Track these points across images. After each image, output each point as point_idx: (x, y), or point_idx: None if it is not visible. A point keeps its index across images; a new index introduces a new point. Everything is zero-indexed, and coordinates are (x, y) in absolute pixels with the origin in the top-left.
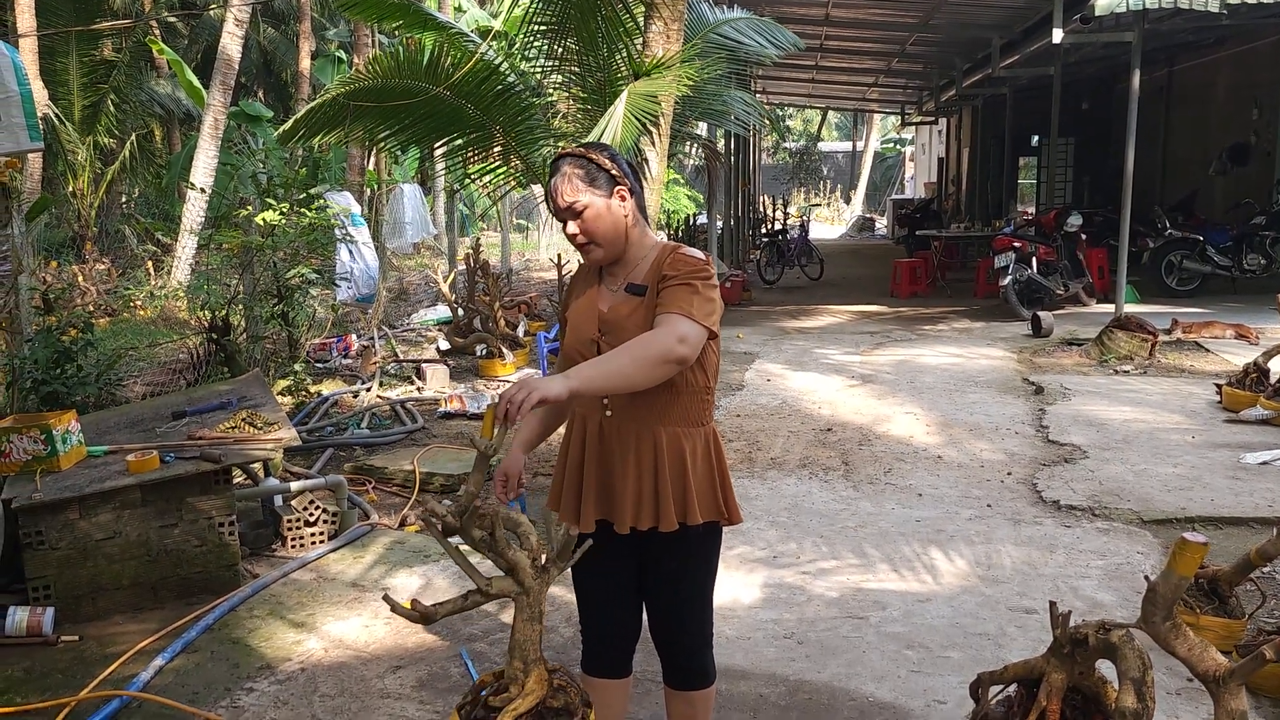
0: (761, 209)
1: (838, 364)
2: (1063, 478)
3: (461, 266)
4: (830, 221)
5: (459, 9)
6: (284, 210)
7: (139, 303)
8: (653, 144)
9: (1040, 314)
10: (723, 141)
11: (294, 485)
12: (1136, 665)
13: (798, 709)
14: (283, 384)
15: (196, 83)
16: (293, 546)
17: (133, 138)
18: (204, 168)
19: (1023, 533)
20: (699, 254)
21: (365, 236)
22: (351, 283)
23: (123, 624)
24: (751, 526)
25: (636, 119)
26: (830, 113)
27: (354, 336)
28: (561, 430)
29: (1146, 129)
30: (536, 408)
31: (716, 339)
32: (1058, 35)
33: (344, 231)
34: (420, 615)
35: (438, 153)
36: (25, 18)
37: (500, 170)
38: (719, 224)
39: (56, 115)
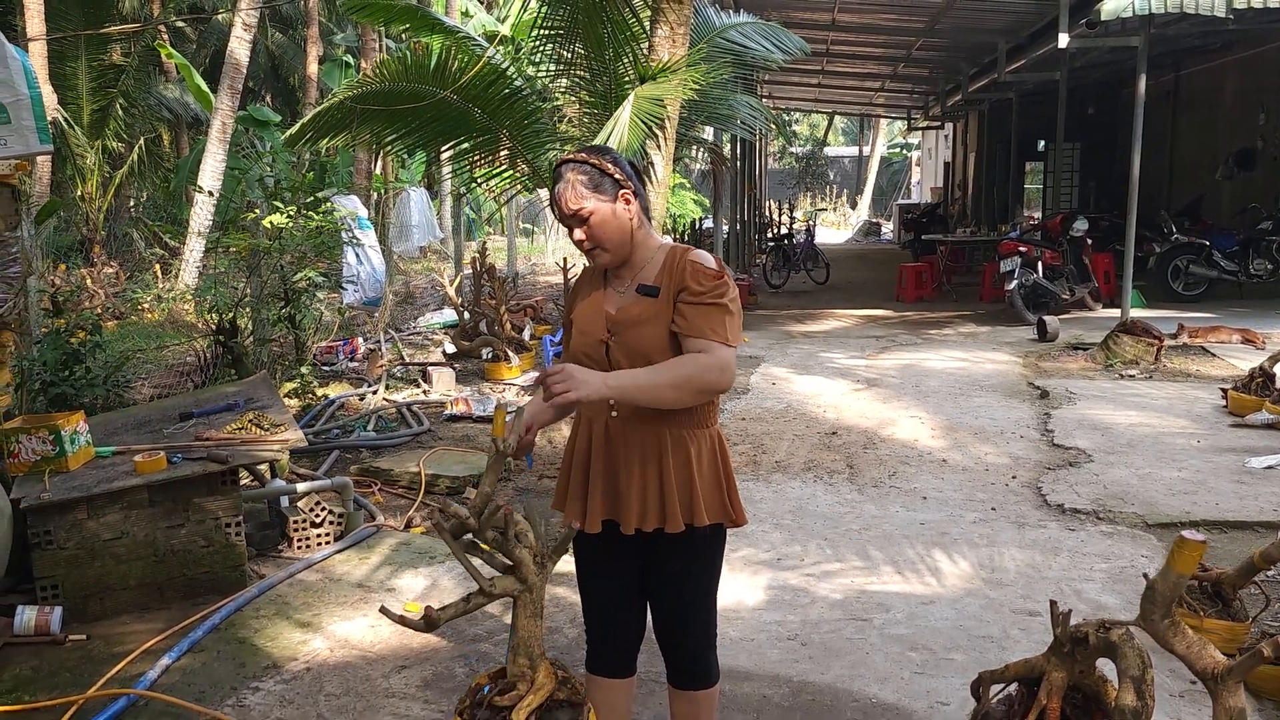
0: (767, 213)
1: (843, 368)
2: (1067, 481)
3: (467, 270)
4: (836, 226)
5: (466, 14)
6: (291, 213)
7: (146, 306)
8: (658, 148)
9: (1046, 318)
10: (729, 146)
11: (300, 486)
12: (1136, 664)
13: (801, 710)
14: (289, 386)
15: (205, 87)
16: (299, 547)
17: (141, 142)
18: (212, 171)
19: (1027, 536)
20: (713, 261)
21: (372, 240)
22: (358, 286)
23: (130, 623)
24: (756, 529)
25: (642, 122)
26: (836, 117)
27: (360, 340)
28: (566, 431)
29: (1153, 134)
30: (572, 404)
31: None
32: (1063, 40)
33: (351, 235)
34: (424, 623)
35: (444, 156)
36: (35, 22)
37: (506, 174)
38: (725, 228)
39: (65, 119)
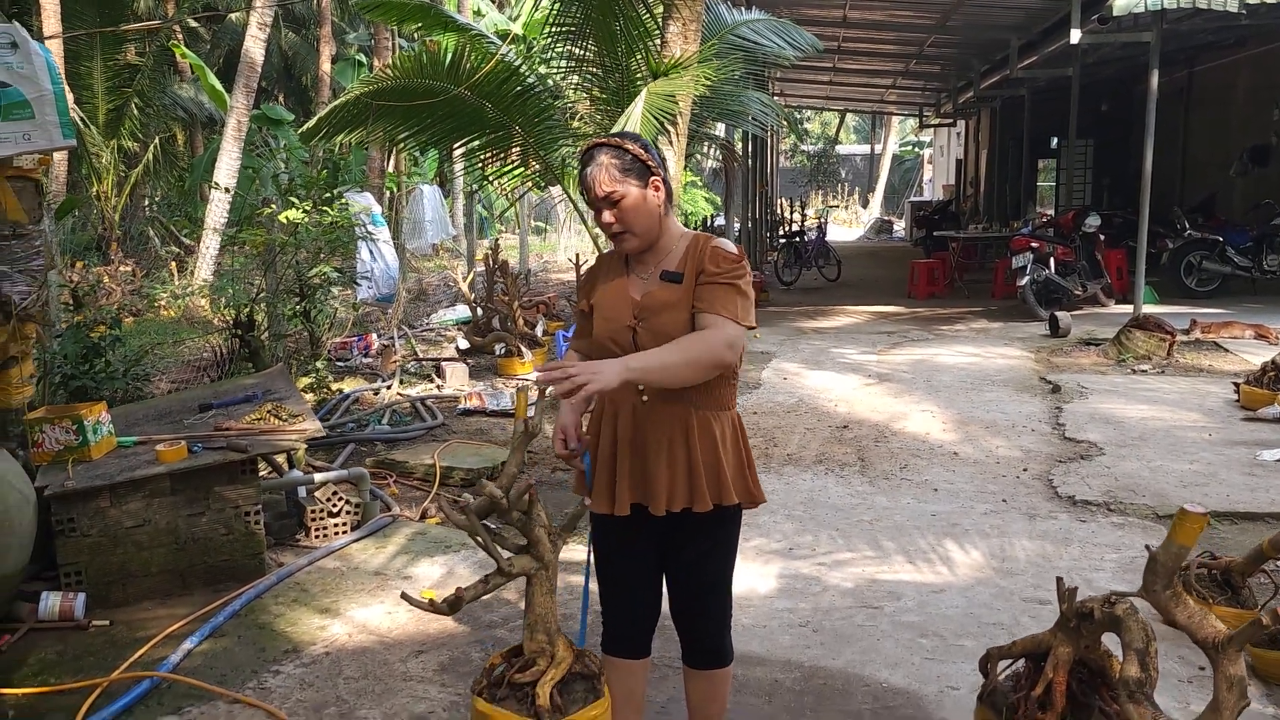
0: (779, 211)
1: (854, 363)
2: (1078, 474)
3: (480, 267)
4: (848, 224)
5: (478, 13)
6: (307, 209)
7: (163, 303)
8: (670, 144)
9: (1058, 314)
10: (740, 143)
11: (318, 477)
12: (1140, 637)
13: (812, 693)
14: (305, 381)
15: (219, 86)
16: (316, 537)
17: (156, 141)
18: (227, 169)
19: (1037, 527)
20: (733, 247)
21: (386, 236)
22: (372, 282)
23: (152, 609)
24: (768, 519)
25: (654, 118)
26: (848, 115)
27: (374, 335)
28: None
29: (1166, 130)
30: (590, 395)
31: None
32: (1075, 36)
33: (365, 230)
34: (446, 606)
35: (457, 153)
36: (51, 22)
37: (519, 172)
38: (736, 226)
39: (81, 119)
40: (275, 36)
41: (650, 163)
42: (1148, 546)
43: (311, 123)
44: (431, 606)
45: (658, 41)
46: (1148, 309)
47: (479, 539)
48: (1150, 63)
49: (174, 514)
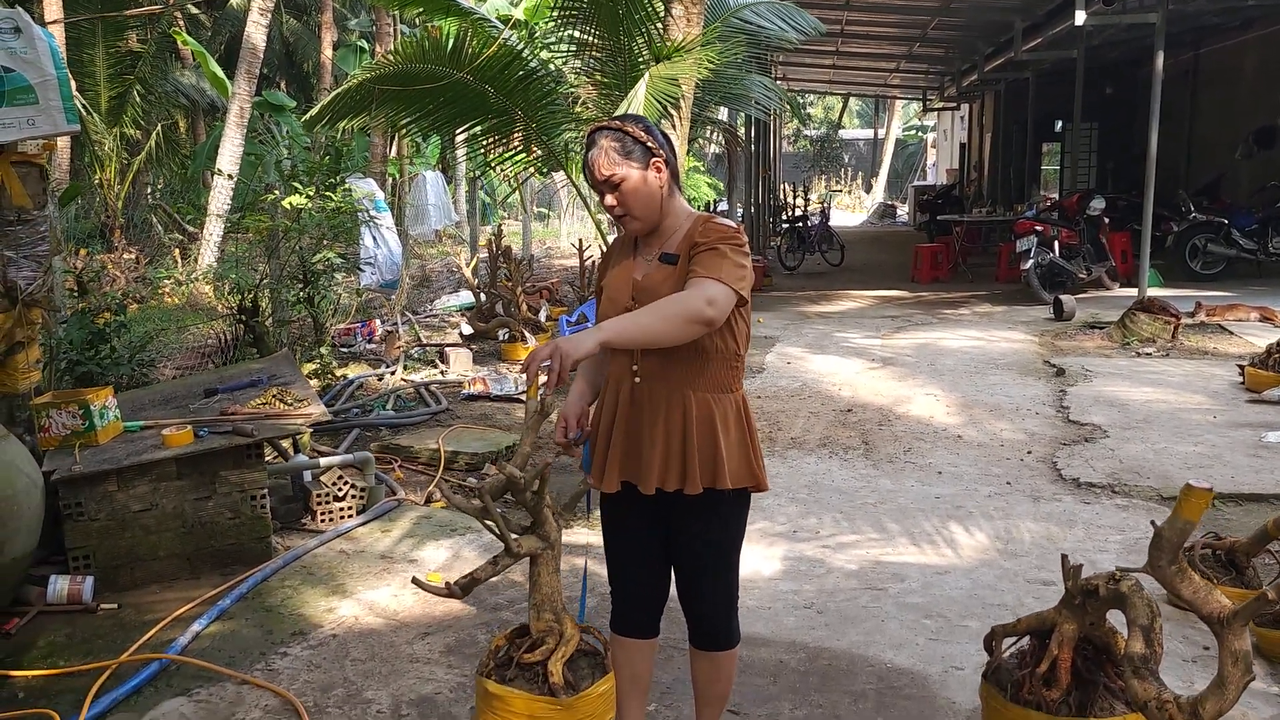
0: (782, 196)
1: (858, 347)
2: (1083, 456)
3: (483, 253)
4: (851, 209)
5: None
6: (310, 194)
7: (167, 290)
8: (673, 128)
9: (1062, 297)
10: (743, 128)
11: (323, 461)
12: (1145, 613)
13: (817, 674)
14: (309, 367)
15: (220, 73)
16: (322, 521)
17: (158, 128)
18: (230, 155)
19: (1042, 509)
20: (730, 222)
21: (389, 222)
22: (375, 268)
23: (159, 593)
24: (772, 502)
25: (657, 102)
26: (851, 100)
27: (378, 321)
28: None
29: (1171, 113)
30: (574, 368)
31: (747, 306)
32: (1080, 17)
33: (368, 216)
34: (459, 589)
35: (459, 139)
36: (53, 7)
37: (521, 157)
38: (739, 211)
39: (84, 106)
40: (277, 23)
41: (652, 144)
42: (1153, 522)
43: (315, 109)
44: (446, 590)
45: (660, 25)
46: (1152, 292)
47: (490, 522)
48: (1155, 44)
49: (181, 498)
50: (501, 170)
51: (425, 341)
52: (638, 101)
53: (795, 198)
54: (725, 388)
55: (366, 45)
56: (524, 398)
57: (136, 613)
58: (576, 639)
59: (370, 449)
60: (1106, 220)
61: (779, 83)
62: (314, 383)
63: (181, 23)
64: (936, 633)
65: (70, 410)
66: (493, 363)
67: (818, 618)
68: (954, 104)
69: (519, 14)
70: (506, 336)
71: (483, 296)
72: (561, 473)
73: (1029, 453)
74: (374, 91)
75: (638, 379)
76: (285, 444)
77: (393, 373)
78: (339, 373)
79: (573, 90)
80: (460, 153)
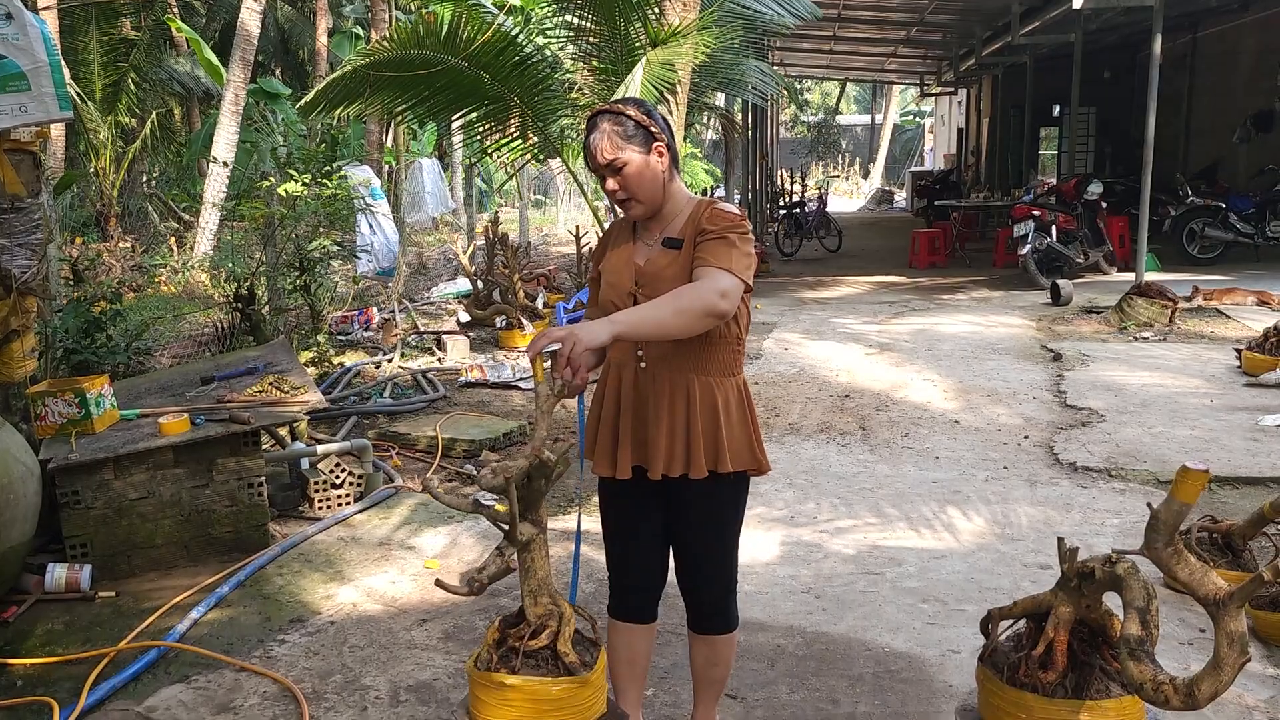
0: (780, 182)
1: (855, 333)
2: (1080, 440)
3: (480, 240)
4: (849, 195)
5: None
6: (305, 182)
7: (163, 278)
8: (670, 113)
9: (1059, 282)
10: (740, 114)
11: (320, 448)
12: (1142, 595)
13: (815, 658)
14: (306, 355)
15: (215, 60)
16: (320, 508)
17: (153, 116)
18: (225, 143)
19: (1039, 493)
20: (734, 209)
21: (385, 209)
22: (372, 256)
23: (157, 580)
24: (770, 488)
25: (654, 87)
26: (849, 85)
27: (375, 309)
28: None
29: (1169, 96)
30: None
31: (749, 292)
32: (1078, 1)
33: (364, 203)
34: (478, 587)
35: (455, 126)
36: None
37: (518, 144)
38: (737, 197)
39: (78, 94)
40: (271, 9)
41: (653, 128)
42: (1149, 505)
43: (310, 96)
44: (467, 590)
45: (656, 9)
46: (1150, 276)
47: (496, 518)
48: (1153, 28)
49: (178, 486)
50: (498, 157)
51: (422, 329)
52: (634, 87)
53: (793, 184)
54: (728, 371)
55: (361, 32)
56: (521, 385)
57: (134, 600)
58: (573, 618)
59: (368, 436)
60: (1104, 205)
61: (776, 68)
62: (311, 371)
63: (175, 9)
64: (933, 616)
65: (66, 398)
66: (490, 350)
67: (815, 602)
68: (951, 89)
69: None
70: (504, 324)
71: (480, 284)
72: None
73: (1026, 437)
74: (369, 78)
75: (643, 364)
76: (283, 432)
77: (390, 360)
78: (336, 360)
79: (569, 76)
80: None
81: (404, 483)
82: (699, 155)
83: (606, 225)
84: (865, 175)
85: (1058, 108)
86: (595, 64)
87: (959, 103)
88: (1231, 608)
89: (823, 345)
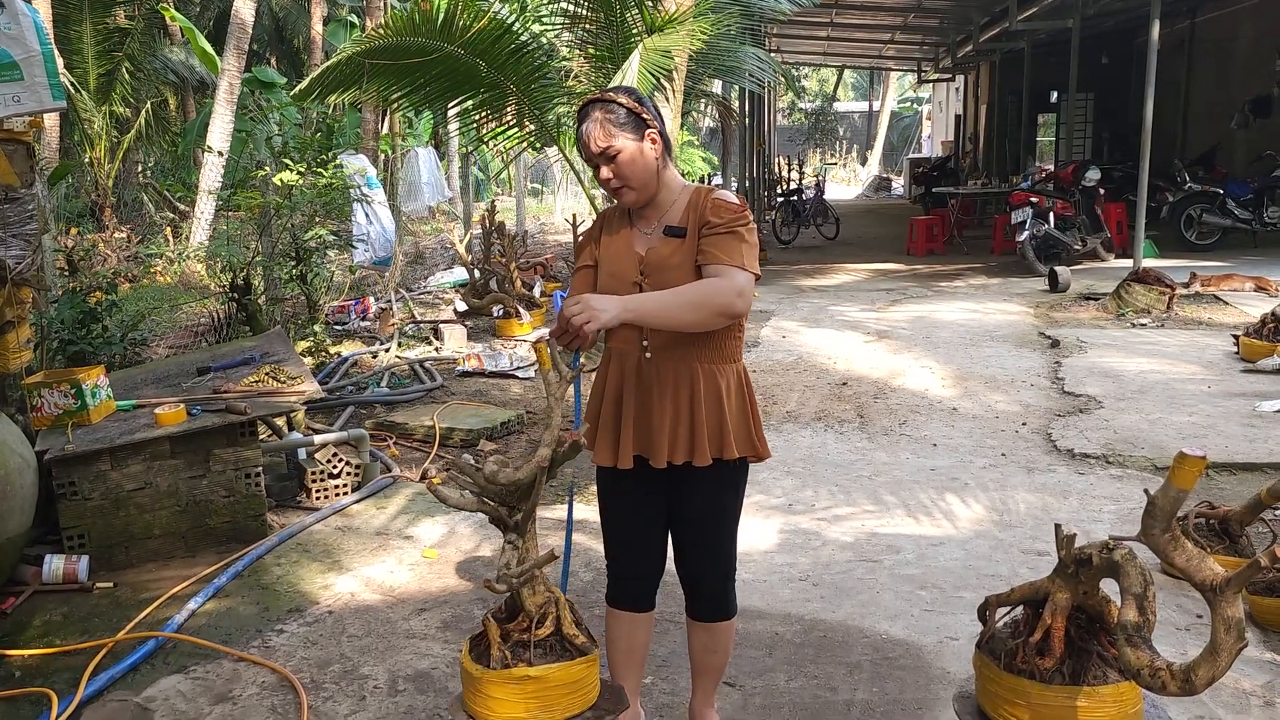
0: (777, 170)
1: (853, 320)
2: (1077, 427)
3: (477, 229)
4: (846, 182)
5: None
6: (301, 171)
7: (159, 269)
8: (666, 100)
9: (1057, 269)
10: (737, 102)
11: (318, 438)
12: (1139, 581)
13: (813, 645)
14: (303, 345)
15: (210, 49)
16: (317, 498)
17: (148, 106)
18: (220, 132)
19: (1036, 480)
20: (734, 197)
21: (381, 198)
22: (368, 245)
23: (155, 571)
24: (768, 476)
25: (651, 75)
26: (846, 73)
27: (372, 299)
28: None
29: (1167, 82)
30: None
31: (757, 279)
32: None
33: (360, 192)
34: (507, 584)
35: (451, 114)
36: None
37: (514, 132)
38: (734, 185)
39: (72, 84)
40: None
41: (645, 115)
42: (1146, 491)
43: (305, 83)
44: (507, 589)
45: None
46: (1147, 262)
47: (499, 519)
48: (1151, 13)
49: (175, 476)
50: (494, 145)
51: (419, 318)
52: (631, 74)
53: (790, 171)
54: (730, 357)
55: (357, 20)
56: (518, 374)
57: (132, 591)
58: (564, 601)
59: (365, 426)
60: (1102, 191)
61: (773, 55)
62: (308, 360)
63: None
64: (931, 604)
65: (62, 389)
66: (487, 339)
67: (813, 590)
68: (949, 75)
69: None
70: (501, 313)
71: (477, 273)
72: None
73: (1024, 424)
74: (364, 65)
75: (648, 354)
76: (280, 422)
77: (387, 350)
78: (333, 350)
79: (565, 63)
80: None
81: (401, 472)
82: (696, 143)
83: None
84: (863, 162)
85: (1055, 94)
86: (591, 51)
87: (956, 89)
88: (1229, 593)
89: (820, 333)
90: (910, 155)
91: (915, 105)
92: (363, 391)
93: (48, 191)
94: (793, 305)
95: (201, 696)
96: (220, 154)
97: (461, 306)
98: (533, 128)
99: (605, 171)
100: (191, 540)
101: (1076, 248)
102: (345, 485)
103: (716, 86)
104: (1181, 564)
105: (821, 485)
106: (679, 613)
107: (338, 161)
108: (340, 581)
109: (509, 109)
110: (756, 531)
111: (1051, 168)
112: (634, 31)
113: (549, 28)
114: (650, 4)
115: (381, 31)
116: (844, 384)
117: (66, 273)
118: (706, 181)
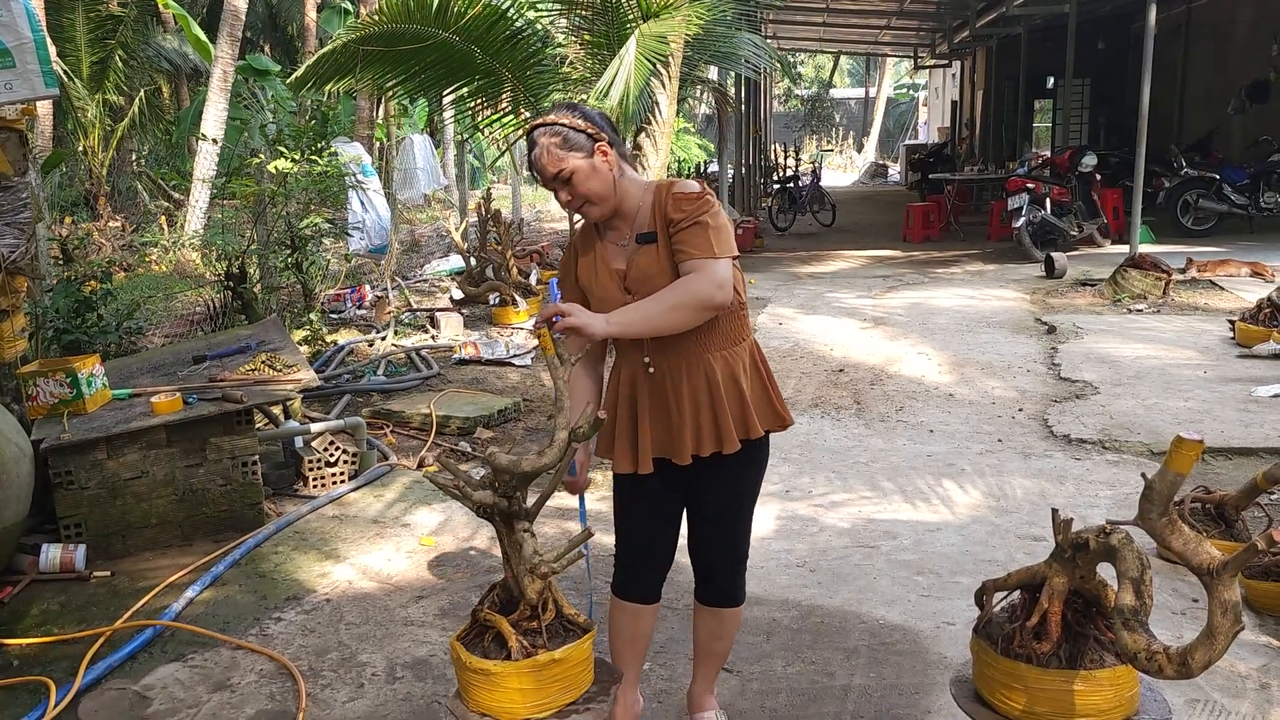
0: (773, 156)
1: (850, 307)
2: (1074, 413)
3: (473, 217)
4: (843, 169)
5: None
6: (296, 158)
7: (154, 257)
8: (663, 86)
9: (1054, 255)
10: (734, 88)
11: (314, 427)
12: (1135, 565)
13: (810, 631)
14: (299, 334)
15: (203, 37)
16: (314, 486)
17: (141, 94)
18: (214, 120)
19: (1033, 465)
20: (693, 185)
21: (377, 186)
22: (364, 233)
23: (152, 560)
24: None
25: (647, 61)
26: (842, 59)
27: (368, 287)
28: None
29: (1164, 67)
30: (569, 334)
31: (736, 257)
32: None
33: (355, 179)
34: (542, 575)
35: (446, 101)
36: None
37: (510, 120)
38: (730, 172)
39: (65, 72)
40: None
41: (590, 130)
42: (1143, 475)
43: (300, 71)
44: (556, 565)
45: None
46: (1144, 248)
47: (501, 511)
48: None
49: (172, 465)
50: (490, 133)
51: (415, 306)
52: (627, 60)
53: (786, 158)
54: (738, 339)
55: (351, 7)
56: (515, 361)
57: (130, 580)
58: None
59: (361, 414)
60: (1098, 177)
61: (769, 41)
62: (304, 349)
63: None
64: (928, 589)
65: (58, 378)
66: (483, 327)
67: (810, 576)
68: (945, 61)
69: None
70: (497, 301)
71: (473, 261)
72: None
73: (1020, 410)
74: (359, 53)
75: (651, 369)
76: (276, 410)
77: (383, 338)
78: (329, 339)
79: (561, 50)
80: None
81: (398, 460)
82: (692, 129)
83: None
84: (859, 149)
85: (1052, 79)
86: (587, 38)
87: (953, 75)
88: (1225, 577)
89: (817, 320)
90: (907, 142)
91: (911, 91)
92: (359, 380)
93: (41, 180)
94: (789, 292)
95: (200, 684)
96: (215, 142)
97: (457, 294)
98: (528, 115)
99: (564, 194)
100: (188, 529)
101: (1073, 234)
102: (342, 473)
103: (713, 73)
104: (1178, 548)
105: (818, 471)
106: (676, 599)
107: (332, 149)
108: (338, 569)
109: (504, 96)
110: (754, 518)
111: (1048, 153)
112: (630, 17)
113: (544, 14)
114: None
115: (376, 18)
116: (840, 370)
117: (61, 262)
118: (703, 168)
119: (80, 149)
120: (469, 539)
